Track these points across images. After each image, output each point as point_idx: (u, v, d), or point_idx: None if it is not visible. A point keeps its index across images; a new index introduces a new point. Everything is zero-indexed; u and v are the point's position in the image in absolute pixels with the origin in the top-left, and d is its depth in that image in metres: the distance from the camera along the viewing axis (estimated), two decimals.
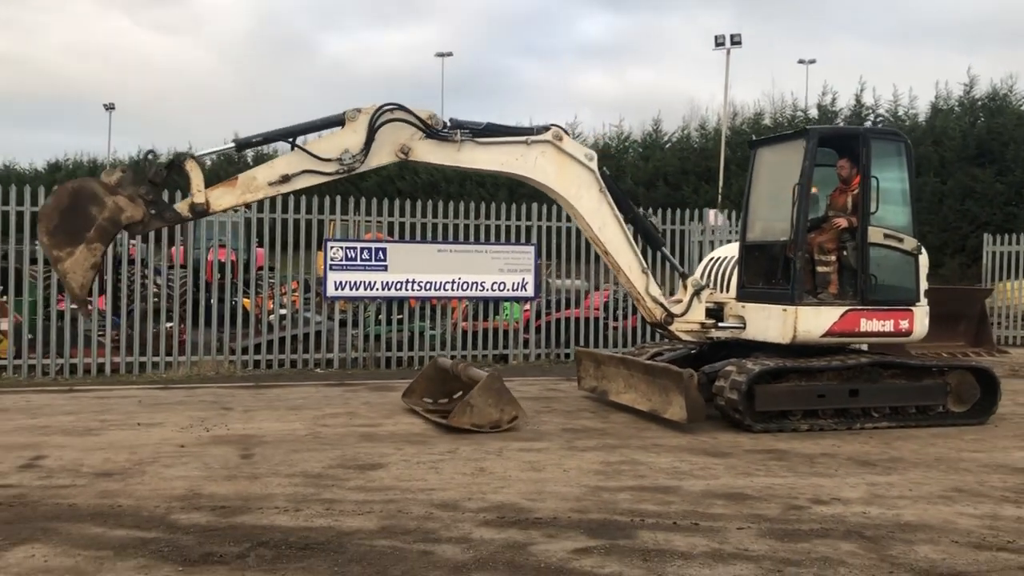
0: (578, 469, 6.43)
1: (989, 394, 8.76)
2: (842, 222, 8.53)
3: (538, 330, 13.89)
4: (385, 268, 12.54)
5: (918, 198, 30.46)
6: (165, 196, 8.99)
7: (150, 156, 8.02)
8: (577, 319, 13.91)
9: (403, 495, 5.61)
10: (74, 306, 7.14)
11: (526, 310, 14.03)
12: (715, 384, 8.19)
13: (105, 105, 51.13)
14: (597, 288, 14.38)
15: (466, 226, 13.34)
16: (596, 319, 14.00)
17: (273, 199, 12.54)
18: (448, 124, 8.04)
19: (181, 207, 7.45)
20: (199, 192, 7.36)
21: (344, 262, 12.33)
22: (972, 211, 28.97)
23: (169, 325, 12.34)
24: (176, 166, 7.38)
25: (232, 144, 7.92)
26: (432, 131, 7.87)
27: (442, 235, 13.27)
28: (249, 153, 37.53)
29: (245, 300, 12.95)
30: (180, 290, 13.27)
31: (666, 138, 39.03)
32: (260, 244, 13.14)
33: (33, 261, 12.70)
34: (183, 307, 12.53)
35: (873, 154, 8.40)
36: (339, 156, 7.61)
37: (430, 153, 8.01)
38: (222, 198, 7.52)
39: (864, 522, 5.20)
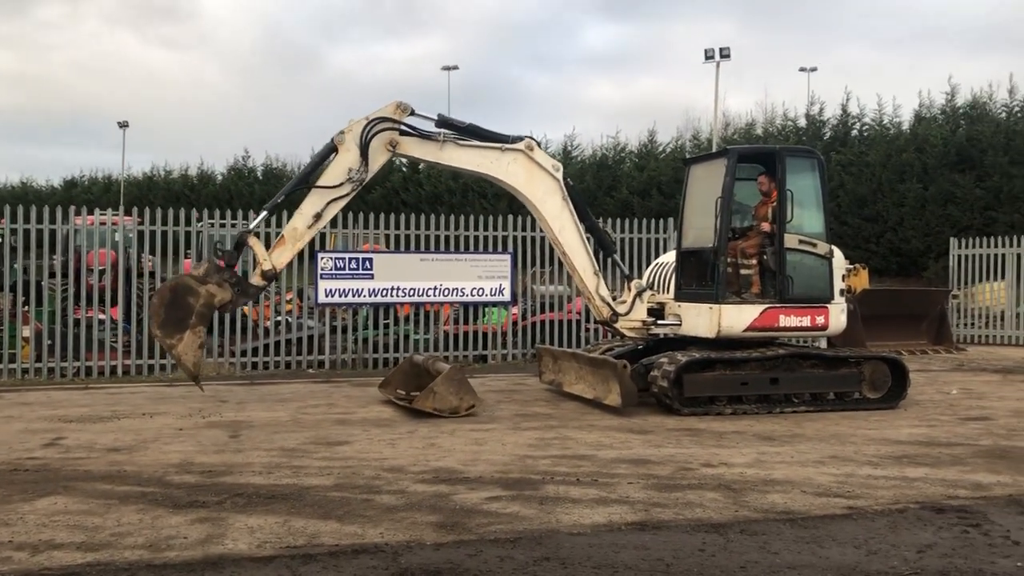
0: (515, 443, 7.56)
1: (899, 382, 9.80)
2: (765, 227, 9.63)
3: (520, 332, 15.00)
4: (372, 277, 13.69)
5: (900, 203, 31.17)
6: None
7: (218, 245, 9.33)
8: (556, 322, 15.03)
9: (359, 463, 6.75)
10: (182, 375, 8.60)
11: (514, 314, 15.17)
12: (650, 374, 9.29)
13: (119, 123, 52.64)
14: (578, 294, 15.49)
15: (446, 237, 14.50)
16: (572, 321, 15.11)
17: (272, 215, 13.77)
18: (436, 120, 9.28)
19: (255, 279, 8.80)
20: (265, 260, 8.73)
21: (334, 271, 13.49)
22: (953, 216, 29.94)
23: None
24: (241, 245, 8.76)
25: (264, 211, 9.22)
26: (412, 130, 9.12)
27: (428, 245, 14.43)
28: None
29: (244, 308, 14.12)
30: None
31: (661, 148, 40.16)
32: None
33: (51, 275, 13.94)
34: None
35: (788, 169, 9.52)
36: (348, 177, 8.91)
37: (415, 148, 9.30)
38: (281, 257, 8.86)
39: (737, 479, 6.30)
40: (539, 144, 9.81)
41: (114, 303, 13.28)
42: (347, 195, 8.94)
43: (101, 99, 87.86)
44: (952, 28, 73.62)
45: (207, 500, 5.61)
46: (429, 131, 9.24)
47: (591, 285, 9.98)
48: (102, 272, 13.19)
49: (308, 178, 9.09)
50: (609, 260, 10.71)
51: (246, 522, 5.12)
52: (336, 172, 8.93)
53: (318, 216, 8.88)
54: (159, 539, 4.79)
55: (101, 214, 13.72)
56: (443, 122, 9.33)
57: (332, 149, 8.99)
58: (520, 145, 9.57)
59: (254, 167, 49.75)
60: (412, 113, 9.21)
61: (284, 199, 9.18)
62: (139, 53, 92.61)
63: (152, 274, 14.16)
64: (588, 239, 10.05)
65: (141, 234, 13.48)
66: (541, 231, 14.92)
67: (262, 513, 5.32)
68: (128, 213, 13.95)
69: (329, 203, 8.91)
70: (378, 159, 9.04)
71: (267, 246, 8.95)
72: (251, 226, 8.93)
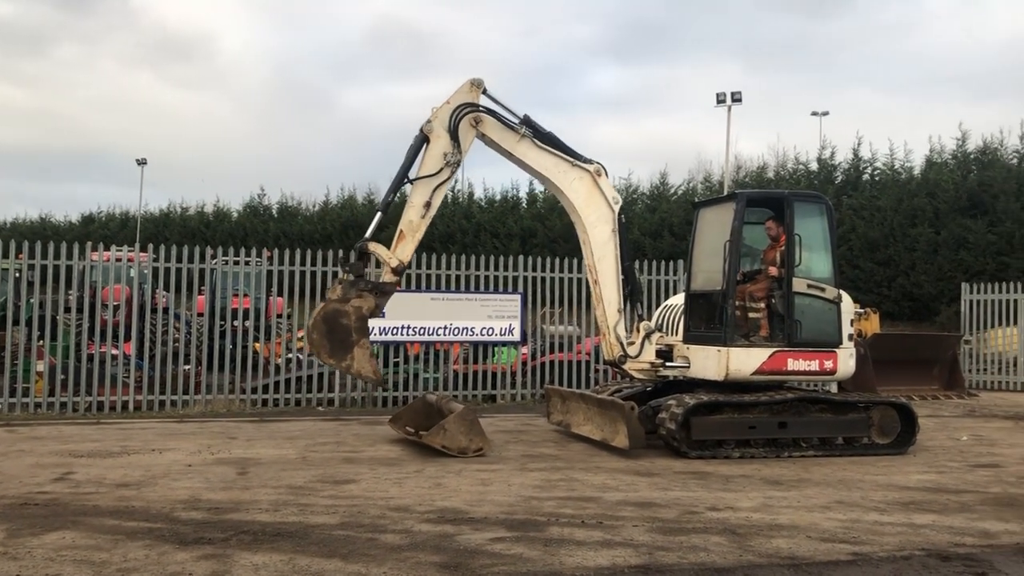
0: (521, 484, 7.56)
1: (909, 428, 9.76)
2: (773, 271, 9.68)
3: (529, 372, 15.01)
4: (383, 315, 13.75)
5: (912, 248, 31.13)
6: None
7: (342, 261, 9.88)
8: (565, 362, 15.04)
9: (366, 502, 6.77)
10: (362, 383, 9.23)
11: (523, 354, 15.19)
12: (658, 416, 9.29)
13: (137, 160, 53.33)
14: (589, 335, 15.52)
15: (457, 277, 14.61)
16: (581, 362, 15.11)
17: (283, 254, 13.98)
18: (521, 118, 9.70)
19: (386, 276, 9.29)
20: (391, 258, 9.20)
21: None
22: (966, 261, 29.87)
23: (187, 367, 13.62)
24: (364, 254, 9.29)
25: (378, 213, 9.50)
26: (496, 116, 9.55)
27: (439, 284, 14.52)
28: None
29: (256, 344, 14.23)
30: (197, 336, 14.59)
31: (672, 190, 40.35)
32: (280, 294, 14.44)
33: (67, 310, 14.10)
34: (199, 351, 13.82)
35: (796, 214, 9.59)
36: (445, 161, 9.35)
37: (495, 133, 9.66)
38: (404, 250, 9.32)
39: (742, 523, 6.28)
40: (607, 174, 10.09)
41: (128, 339, 13.40)
42: (448, 179, 9.43)
43: (119, 137, 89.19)
44: (960, 73, 74.14)
45: (213, 537, 5.64)
46: (512, 122, 9.63)
47: (611, 320, 10.01)
48: (116, 308, 13.34)
49: (407, 172, 9.41)
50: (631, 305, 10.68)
51: (251, 559, 5.15)
52: (433, 160, 9.33)
53: (428, 204, 9.30)
54: (165, 575, 4.82)
55: (117, 250, 13.89)
56: (527, 121, 9.74)
57: (424, 139, 9.36)
58: (590, 167, 9.94)
59: (270, 205, 50.20)
60: (485, 91, 9.58)
61: (394, 197, 9.52)
62: (156, 92, 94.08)
63: (165, 310, 14.32)
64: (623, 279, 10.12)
65: (156, 270, 13.66)
66: (551, 271, 15.08)
67: (267, 551, 5.35)
68: (144, 249, 14.10)
69: (435, 190, 9.34)
70: (467, 138, 9.50)
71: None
72: (367, 234, 9.25)
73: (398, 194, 9.81)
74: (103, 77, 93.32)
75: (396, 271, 9.22)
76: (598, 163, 10.00)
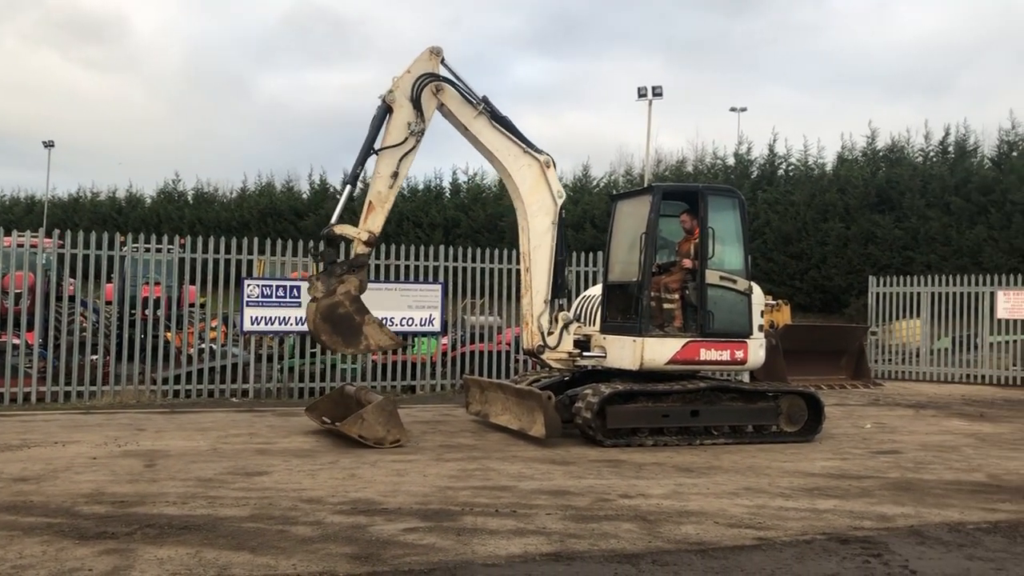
0: (437, 474, 7.55)
1: (815, 416, 10.08)
2: (687, 263, 9.86)
3: (450, 362, 14.99)
4: (299, 304, 13.55)
5: (824, 242, 32.24)
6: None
7: (316, 251, 9.78)
8: (486, 352, 15.06)
9: (277, 494, 6.67)
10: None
11: (443, 344, 15.15)
12: (574, 405, 9.39)
13: (44, 142, 51.23)
14: (510, 325, 15.57)
15: (377, 266, 14.47)
16: (502, 352, 15.16)
17: (195, 242, 13.62)
18: (481, 98, 9.81)
19: (358, 249, 9.32)
20: (360, 232, 9.24)
21: (260, 299, 13.35)
22: (874, 255, 31.03)
23: (94, 357, 13.17)
24: (333, 239, 9.31)
25: (347, 186, 9.45)
26: (457, 88, 9.64)
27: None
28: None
29: (167, 334, 13.84)
30: (106, 325, 14.12)
31: (595, 182, 40.76)
32: (192, 282, 14.05)
33: None
34: (108, 340, 13.39)
35: (710, 207, 9.78)
36: (409, 131, 9.39)
37: (454, 104, 9.75)
38: (375, 221, 9.35)
39: (653, 510, 6.40)
40: (556, 168, 10.22)
41: (31, 327, 12.89)
42: (414, 148, 9.45)
43: (24, 118, 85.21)
44: (870, 72, 76.79)
45: (117, 531, 5.48)
46: (471, 96, 9.73)
47: (536, 309, 10.05)
48: (19, 295, 12.81)
49: (372, 144, 9.37)
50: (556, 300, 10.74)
51: (156, 553, 5.02)
52: (398, 130, 9.38)
53: (395, 175, 9.36)
54: (62, 571, 4.66)
55: (19, 235, 13.34)
56: (485, 101, 9.82)
57: (386, 110, 9.36)
58: (541, 157, 10.07)
59: (184, 191, 48.92)
60: (443, 61, 9.65)
61: (362, 169, 9.46)
62: (63, 73, 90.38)
63: (72, 298, 13.82)
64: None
65: (62, 257, 13.18)
66: (472, 262, 15.08)
67: (173, 544, 5.22)
68: (50, 235, 13.56)
69: (401, 160, 9.37)
70: (430, 107, 9.57)
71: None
72: (332, 219, 9.21)
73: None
74: (6, 56, 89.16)
75: (368, 243, 9.29)
76: (548, 155, 10.12)
